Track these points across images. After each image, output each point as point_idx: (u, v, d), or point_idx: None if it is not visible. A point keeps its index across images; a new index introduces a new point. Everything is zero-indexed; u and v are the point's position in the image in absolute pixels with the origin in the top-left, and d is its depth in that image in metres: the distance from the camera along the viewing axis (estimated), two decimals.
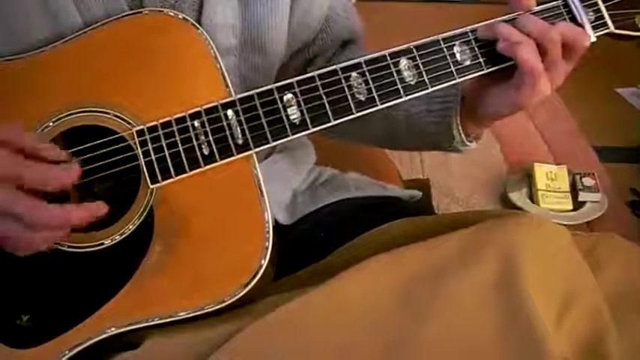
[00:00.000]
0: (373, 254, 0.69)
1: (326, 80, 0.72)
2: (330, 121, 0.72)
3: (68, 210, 0.64)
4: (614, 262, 0.75)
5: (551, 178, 1.74)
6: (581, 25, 0.77)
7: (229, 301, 0.67)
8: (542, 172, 1.75)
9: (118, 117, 0.70)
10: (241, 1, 0.80)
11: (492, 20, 0.76)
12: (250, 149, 0.70)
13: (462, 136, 0.83)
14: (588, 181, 1.73)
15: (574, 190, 1.72)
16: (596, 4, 0.79)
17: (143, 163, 0.69)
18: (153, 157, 0.69)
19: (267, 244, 0.69)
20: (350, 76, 0.73)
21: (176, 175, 0.69)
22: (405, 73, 0.74)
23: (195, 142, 0.70)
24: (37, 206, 0.62)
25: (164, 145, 0.69)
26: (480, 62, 0.76)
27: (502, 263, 0.65)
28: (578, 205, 1.70)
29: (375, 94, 0.73)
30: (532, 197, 1.73)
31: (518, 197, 1.73)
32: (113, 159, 0.70)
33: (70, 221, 0.64)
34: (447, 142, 0.85)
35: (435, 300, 0.64)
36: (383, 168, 1.24)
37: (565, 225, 0.78)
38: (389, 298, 0.65)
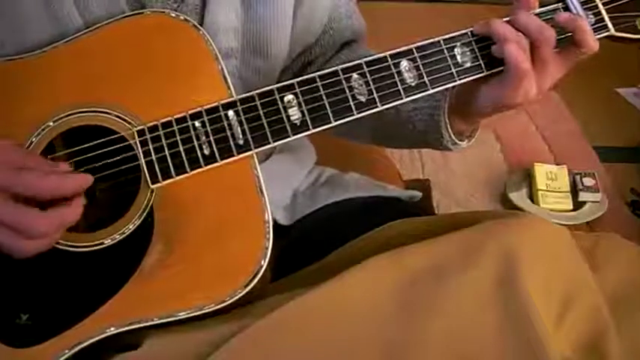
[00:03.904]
0: (373, 254, 0.69)
1: (327, 81, 0.72)
2: (330, 122, 0.72)
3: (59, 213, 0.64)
4: (614, 262, 0.75)
5: (551, 178, 1.74)
6: None
7: (229, 302, 0.67)
8: (542, 172, 1.74)
9: (119, 117, 0.70)
10: (244, 4, 0.80)
11: None
12: (251, 149, 0.70)
13: (451, 135, 0.83)
14: (588, 181, 1.72)
15: (574, 190, 1.72)
16: (596, 6, 0.78)
17: (143, 163, 0.69)
18: (153, 157, 0.69)
19: (267, 244, 0.69)
20: (351, 77, 0.73)
21: (176, 175, 0.69)
22: (406, 75, 0.74)
23: (195, 142, 0.70)
24: (26, 215, 0.62)
25: (165, 145, 0.69)
26: (480, 64, 0.76)
27: (502, 263, 0.66)
28: (578, 205, 1.69)
29: (375, 95, 0.73)
30: (532, 197, 1.73)
31: (518, 197, 1.72)
32: (113, 159, 0.70)
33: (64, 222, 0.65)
34: (436, 140, 0.84)
35: (435, 300, 0.64)
36: (383, 168, 1.24)
37: (565, 225, 0.78)
38: (389, 298, 0.65)
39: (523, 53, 0.72)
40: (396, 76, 0.74)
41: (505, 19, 0.75)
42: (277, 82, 0.72)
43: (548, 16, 0.77)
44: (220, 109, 0.70)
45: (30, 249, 0.64)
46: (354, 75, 0.73)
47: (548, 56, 0.73)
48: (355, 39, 0.95)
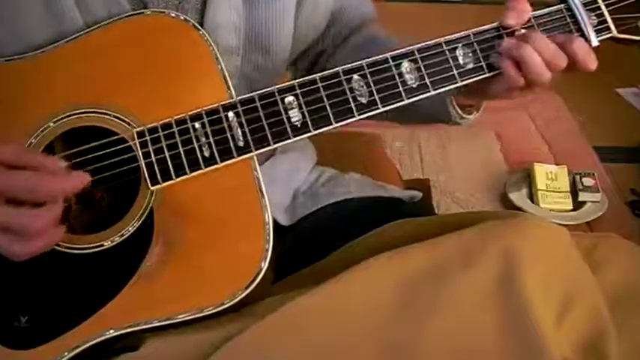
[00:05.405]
0: (373, 254, 0.69)
1: (328, 82, 0.72)
2: (331, 124, 0.72)
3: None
4: (613, 262, 0.75)
5: (551, 178, 1.74)
6: (582, 32, 0.77)
7: (229, 304, 0.67)
8: (542, 172, 1.75)
9: (119, 118, 0.70)
10: (246, 2, 0.80)
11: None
12: (251, 151, 0.70)
13: (458, 111, 0.84)
14: (588, 181, 1.73)
15: (574, 190, 1.72)
16: (598, 8, 0.79)
17: (143, 165, 0.69)
18: (153, 158, 0.69)
19: (267, 246, 0.69)
20: (352, 78, 0.73)
21: (176, 177, 0.69)
22: (407, 76, 0.74)
23: (195, 144, 0.69)
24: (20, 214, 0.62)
25: (164, 146, 0.69)
26: (482, 65, 0.76)
27: (502, 264, 0.65)
28: (578, 205, 1.70)
29: (376, 97, 0.73)
30: (532, 197, 1.73)
31: (518, 197, 1.72)
32: (113, 160, 0.70)
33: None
34: (446, 117, 0.86)
35: (435, 300, 0.64)
36: (383, 168, 1.24)
37: (565, 225, 0.78)
38: (389, 298, 0.65)
39: (520, 73, 0.73)
40: (397, 77, 0.73)
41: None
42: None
43: (553, 19, 0.77)
44: (221, 110, 0.70)
45: (22, 251, 0.63)
46: (355, 76, 0.73)
47: (548, 79, 0.74)
48: (365, 23, 0.95)
